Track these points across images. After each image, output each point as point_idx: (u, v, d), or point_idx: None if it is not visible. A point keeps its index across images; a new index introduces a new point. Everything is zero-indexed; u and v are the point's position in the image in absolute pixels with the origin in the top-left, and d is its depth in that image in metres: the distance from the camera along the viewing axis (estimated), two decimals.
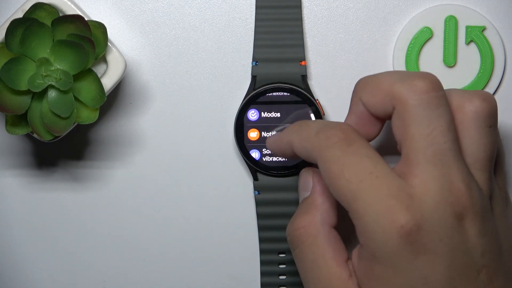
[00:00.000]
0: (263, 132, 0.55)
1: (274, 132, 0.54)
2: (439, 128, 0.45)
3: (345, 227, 0.49)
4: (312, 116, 0.55)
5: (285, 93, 0.55)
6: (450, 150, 0.45)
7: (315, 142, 0.46)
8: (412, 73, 0.46)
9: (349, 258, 0.47)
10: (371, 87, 0.47)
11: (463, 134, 0.47)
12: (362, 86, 0.48)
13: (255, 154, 0.55)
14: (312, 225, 0.48)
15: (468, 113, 0.47)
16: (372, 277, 0.45)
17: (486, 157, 0.47)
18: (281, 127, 0.55)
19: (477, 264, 0.44)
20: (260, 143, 0.55)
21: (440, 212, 0.44)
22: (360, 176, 0.45)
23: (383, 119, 0.48)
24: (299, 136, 0.48)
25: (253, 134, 0.55)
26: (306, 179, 0.50)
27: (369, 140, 0.49)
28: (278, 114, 0.55)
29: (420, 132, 0.45)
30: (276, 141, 0.50)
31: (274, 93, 0.55)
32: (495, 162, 0.49)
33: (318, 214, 0.48)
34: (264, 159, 0.55)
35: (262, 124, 0.55)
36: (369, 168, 0.45)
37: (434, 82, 0.45)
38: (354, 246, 0.47)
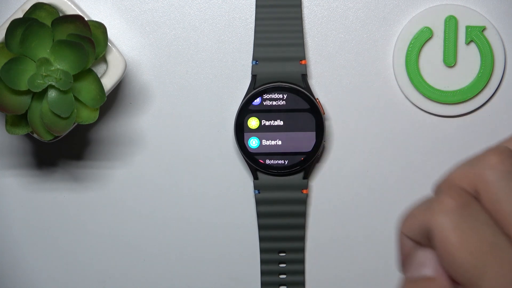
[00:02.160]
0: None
1: None
2: None
3: None
4: (311, 113, 0.55)
5: (284, 95, 0.55)
6: None
7: (427, 214, 0.41)
8: (477, 157, 0.42)
9: None
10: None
11: None
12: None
13: (255, 153, 0.55)
14: None
15: None
16: None
17: None
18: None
19: None
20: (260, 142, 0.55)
21: None
22: (483, 248, 0.40)
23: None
24: (409, 220, 0.42)
25: (253, 133, 0.55)
26: (425, 250, 0.43)
27: None
28: (279, 115, 0.55)
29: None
30: (400, 246, 0.44)
31: (274, 95, 0.55)
32: None
33: None
34: (264, 158, 0.55)
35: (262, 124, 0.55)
36: (490, 238, 0.40)
37: (505, 152, 0.41)
38: None
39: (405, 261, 0.44)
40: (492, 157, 0.41)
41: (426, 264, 0.42)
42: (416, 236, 0.42)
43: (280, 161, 0.55)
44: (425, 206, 0.42)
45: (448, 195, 0.41)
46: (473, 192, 0.42)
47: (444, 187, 0.42)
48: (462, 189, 0.41)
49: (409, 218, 0.42)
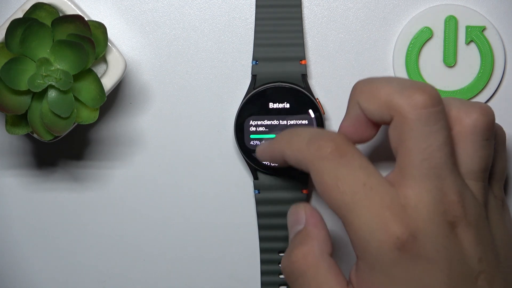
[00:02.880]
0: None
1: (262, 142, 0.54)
2: (436, 143, 0.45)
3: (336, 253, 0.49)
4: (311, 112, 0.55)
5: (284, 95, 0.55)
6: (445, 163, 0.45)
7: (306, 153, 0.46)
8: (411, 84, 0.46)
9: (348, 282, 0.47)
10: (369, 94, 0.47)
11: (459, 146, 0.47)
12: (359, 91, 0.48)
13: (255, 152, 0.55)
14: (311, 255, 0.48)
15: (466, 126, 0.47)
16: None
17: (481, 169, 0.47)
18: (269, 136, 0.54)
19: (475, 270, 0.45)
20: (260, 142, 0.55)
21: (433, 222, 0.44)
22: (354, 188, 0.45)
23: (379, 124, 0.48)
24: (290, 146, 0.48)
25: (253, 133, 0.55)
26: (298, 213, 0.49)
27: (364, 142, 0.49)
28: (279, 115, 0.55)
29: (417, 147, 0.45)
30: (267, 150, 0.50)
31: (274, 95, 0.55)
32: (492, 171, 0.50)
33: (316, 244, 0.48)
34: None
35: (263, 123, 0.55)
36: (362, 179, 0.45)
37: (433, 96, 0.45)
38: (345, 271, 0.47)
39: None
40: (419, 95, 0.45)
41: (299, 221, 0.49)
42: (293, 163, 0.48)
43: None
44: (306, 141, 0.46)
45: (325, 142, 0.46)
46: (386, 115, 0.46)
47: (362, 92, 0.47)
48: (340, 137, 0.46)
49: (290, 146, 0.48)
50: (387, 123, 0.47)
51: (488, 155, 0.48)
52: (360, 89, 0.48)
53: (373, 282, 0.45)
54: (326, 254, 0.48)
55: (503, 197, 0.50)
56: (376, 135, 0.49)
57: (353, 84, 0.56)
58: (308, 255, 0.48)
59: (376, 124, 0.48)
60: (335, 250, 0.48)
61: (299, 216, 0.49)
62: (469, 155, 0.47)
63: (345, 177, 0.45)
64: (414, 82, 0.46)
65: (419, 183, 0.45)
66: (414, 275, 0.44)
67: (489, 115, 0.47)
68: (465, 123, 0.47)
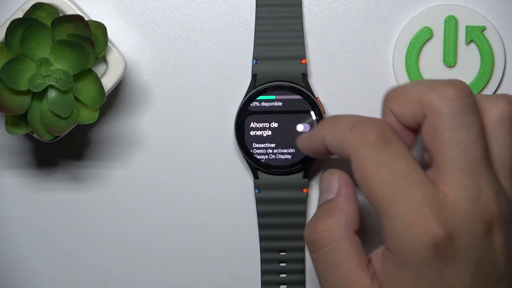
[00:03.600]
0: (263, 131, 0.55)
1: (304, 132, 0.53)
2: (471, 136, 0.44)
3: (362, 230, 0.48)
4: (312, 112, 0.55)
5: (284, 94, 0.55)
6: (481, 158, 0.44)
7: (350, 137, 0.45)
8: (441, 81, 0.45)
9: (369, 260, 0.47)
10: (400, 97, 0.46)
11: (490, 138, 0.46)
12: (391, 96, 0.47)
13: (255, 152, 0.55)
14: (336, 228, 0.46)
15: (493, 116, 0.46)
16: (397, 282, 0.44)
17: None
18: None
19: (500, 272, 0.44)
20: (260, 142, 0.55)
21: (471, 221, 0.44)
22: (396, 179, 0.44)
23: (415, 129, 0.47)
24: (333, 131, 0.46)
25: (253, 132, 0.55)
26: (331, 180, 0.48)
27: None
28: (279, 114, 0.55)
29: (453, 140, 0.44)
30: (308, 139, 0.49)
31: (274, 95, 0.55)
32: None
33: (343, 218, 0.47)
34: (264, 157, 0.55)
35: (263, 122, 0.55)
36: (405, 171, 0.44)
37: (464, 89, 0.44)
38: (370, 248, 0.47)
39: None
40: (450, 89, 0.44)
41: (330, 189, 0.48)
42: (335, 149, 0.47)
43: (280, 161, 0.55)
44: (350, 127, 0.45)
45: (370, 127, 0.45)
46: (419, 114, 0.45)
47: (394, 97, 0.46)
48: (385, 125, 0.45)
49: (333, 131, 0.47)
50: (420, 126, 0.46)
51: None
52: (391, 94, 0.47)
53: (400, 277, 0.44)
54: (351, 230, 0.47)
55: None
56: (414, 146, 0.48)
57: (353, 84, 0.56)
58: (333, 228, 0.46)
59: (412, 130, 0.47)
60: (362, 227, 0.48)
61: (332, 184, 0.48)
62: (500, 147, 0.46)
63: (388, 166, 0.44)
64: (443, 80, 0.46)
65: (456, 178, 0.44)
66: (442, 273, 0.43)
67: None
68: (492, 113, 0.46)
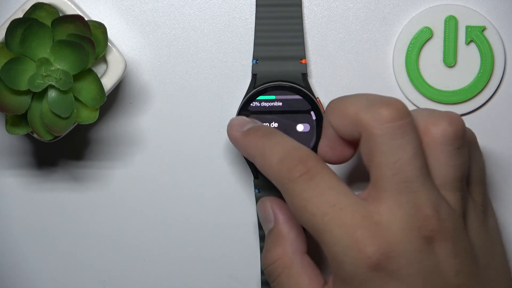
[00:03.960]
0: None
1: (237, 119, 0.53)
2: (405, 157, 0.45)
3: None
4: (312, 112, 0.55)
5: (284, 94, 0.55)
6: (416, 176, 0.45)
7: (278, 172, 0.47)
8: (378, 100, 0.46)
9: (325, 282, 0.48)
10: (338, 112, 0.47)
11: (431, 157, 0.47)
12: (330, 109, 0.48)
13: None
14: (284, 256, 0.48)
15: (434, 137, 0.47)
16: None
17: (456, 178, 0.47)
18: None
19: (452, 284, 0.45)
20: None
21: (407, 238, 0.44)
22: (324, 210, 0.45)
23: (354, 142, 0.48)
24: (262, 159, 0.48)
25: None
26: (266, 210, 0.50)
27: (344, 161, 0.49)
28: (279, 114, 0.55)
29: (386, 161, 0.45)
30: (240, 145, 0.50)
31: (274, 95, 0.55)
32: (472, 177, 0.49)
33: (288, 244, 0.48)
34: None
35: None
36: (332, 200, 0.45)
37: (399, 110, 0.45)
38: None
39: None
40: (384, 110, 0.45)
41: (268, 218, 0.50)
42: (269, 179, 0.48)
43: None
44: (277, 161, 0.47)
45: (295, 164, 0.46)
46: (355, 132, 0.46)
47: (333, 111, 0.48)
48: (311, 158, 0.46)
49: (263, 163, 0.48)
50: (358, 141, 0.47)
51: (462, 163, 0.47)
52: (330, 108, 0.48)
53: None
54: (299, 253, 0.48)
55: (484, 201, 0.50)
56: (354, 155, 0.49)
57: (353, 84, 0.56)
58: (281, 257, 0.48)
59: (352, 143, 0.48)
60: (315, 245, 0.49)
61: (267, 213, 0.50)
62: (442, 166, 0.46)
63: (314, 199, 0.45)
64: (381, 98, 0.46)
65: (391, 197, 0.45)
66: None
67: (457, 123, 0.47)
68: (433, 133, 0.46)
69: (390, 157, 0.45)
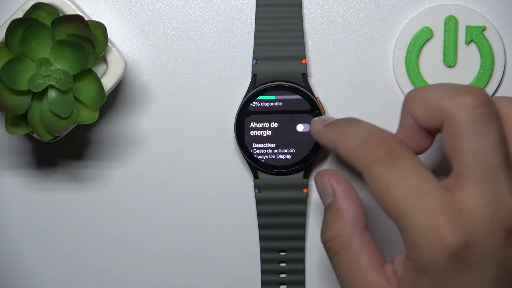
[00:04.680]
0: (263, 131, 0.55)
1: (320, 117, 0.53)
2: (489, 145, 0.44)
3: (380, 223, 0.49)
4: (312, 112, 0.55)
5: (284, 94, 0.55)
6: (500, 165, 0.44)
7: (359, 153, 0.46)
8: (460, 88, 0.45)
9: (386, 261, 0.47)
10: (419, 101, 0.46)
11: None
12: (411, 99, 0.47)
13: (255, 152, 0.55)
14: (343, 233, 0.47)
15: None
16: None
17: None
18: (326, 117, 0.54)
19: None
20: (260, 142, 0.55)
21: (488, 228, 0.44)
22: (406, 193, 0.44)
23: (433, 132, 0.47)
24: (344, 143, 0.47)
25: (253, 132, 0.55)
26: (324, 184, 0.49)
27: (421, 152, 0.48)
28: (279, 114, 0.55)
29: (470, 149, 0.44)
30: (321, 138, 0.50)
31: (274, 95, 0.55)
32: None
33: (347, 221, 0.47)
34: (264, 157, 0.55)
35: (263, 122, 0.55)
36: (415, 184, 0.44)
37: (482, 97, 0.44)
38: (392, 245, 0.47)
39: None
40: (467, 97, 0.44)
41: (326, 193, 0.49)
42: (346, 160, 0.47)
43: (280, 161, 0.55)
44: (360, 141, 0.46)
45: (379, 145, 0.45)
46: (438, 120, 0.45)
47: (413, 101, 0.46)
48: (393, 141, 0.45)
49: (344, 143, 0.47)
50: (440, 130, 0.46)
51: None
52: (411, 97, 0.47)
53: (420, 282, 0.44)
54: (359, 230, 0.47)
55: None
56: (432, 145, 0.49)
57: (353, 84, 0.56)
58: (340, 233, 0.47)
59: (431, 133, 0.47)
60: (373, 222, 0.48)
61: (326, 188, 0.49)
62: None
63: (397, 182, 0.44)
64: (462, 86, 0.45)
65: (474, 186, 0.44)
66: (461, 281, 0.44)
67: None
68: None
69: (474, 144, 0.44)
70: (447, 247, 0.43)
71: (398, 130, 0.48)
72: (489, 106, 0.44)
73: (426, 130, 0.47)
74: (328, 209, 0.48)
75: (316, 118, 0.52)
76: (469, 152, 0.44)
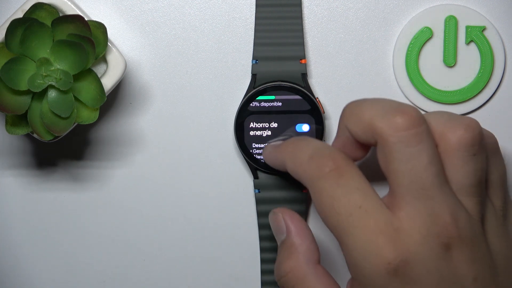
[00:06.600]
0: (263, 131, 0.55)
1: (272, 142, 0.54)
2: (421, 164, 0.45)
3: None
4: (311, 112, 0.55)
5: (284, 94, 0.55)
6: (433, 183, 0.45)
7: (306, 169, 0.47)
8: (393, 107, 0.46)
9: None
10: (355, 117, 0.47)
11: (447, 163, 0.47)
12: (347, 114, 0.48)
13: (255, 152, 0.55)
14: (297, 268, 0.48)
15: (451, 143, 0.47)
16: None
17: (473, 184, 0.47)
18: (278, 138, 0.55)
19: None
20: (260, 142, 0.55)
21: (426, 244, 0.45)
22: (349, 210, 0.45)
23: (369, 146, 0.48)
24: (292, 160, 0.48)
25: (253, 132, 0.55)
26: (278, 221, 0.50)
27: (355, 161, 0.49)
28: (279, 114, 0.55)
29: (402, 169, 0.45)
30: (271, 157, 0.51)
31: (273, 95, 0.55)
32: (491, 181, 0.49)
33: (300, 255, 0.48)
34: None
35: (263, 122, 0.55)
36: (358, 201, 0.45)
37: (414, 118, 0.45)
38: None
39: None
40: (399, 118, 0.45)
41: (280, 230, 0.50)
42: (294, 176, 0.48)
43: None
44: (307, 158, 0.47)
45: (326, 160, 0.46)
46: (371, 138, 0.46)
47: (349, 116, 0.48)
48: (340, 157, 0.46)
49: (292, 159, 0.48)
50: (375, 144, 0.47)
51: (479, 169, 0.47)
52: (347, 112, 0.48)
53: None
54: (312, 263, 0.48)
55: (504, 205, 0.50)
56: (367, 155, 0.50)
57: (353, 84, 0.56)
58: (294, 268, 0.48)
59: (366, 146, 0.49)
60: (328, 253, 0.49)
61: (280, 224, 0.50)
62: (458, 172, 0.46)
63: (341, 198, 0.45)
64: (397, 105, 0.46)
65: (410, 204, 0.45)
66: None
67: (474, 130, 0.47)
68: (450, 140, 0.47)
69: (405, 164, 0.45)
70: (387, 265, 0.44)
71: (334, 141, 0.50)
72: (420, 126, 0.45)
73: (361, 143, 0.48)
74: (282, 246, 0.49)
75: (267, 143, 0.54)
76: (401, 172, 0.45)
